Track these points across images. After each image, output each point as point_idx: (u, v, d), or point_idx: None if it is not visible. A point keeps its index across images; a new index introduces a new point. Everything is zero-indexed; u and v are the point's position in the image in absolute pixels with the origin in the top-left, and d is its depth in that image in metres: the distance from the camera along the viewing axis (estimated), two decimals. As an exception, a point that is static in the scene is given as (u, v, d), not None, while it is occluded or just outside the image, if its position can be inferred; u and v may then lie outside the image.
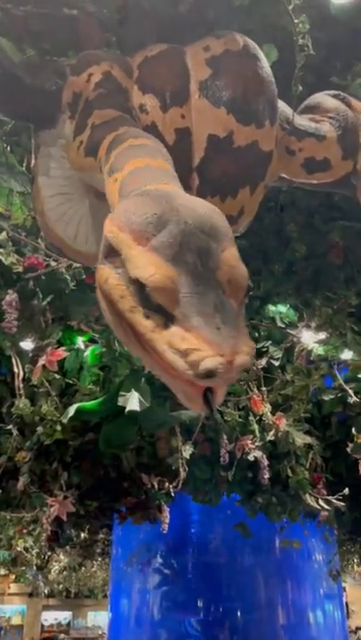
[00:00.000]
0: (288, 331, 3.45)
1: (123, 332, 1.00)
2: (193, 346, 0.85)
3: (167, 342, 0.88)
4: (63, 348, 3.11)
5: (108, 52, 1.70)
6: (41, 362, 2.90)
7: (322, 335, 3.21)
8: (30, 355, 2.94)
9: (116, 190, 1.17)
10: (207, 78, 1.53)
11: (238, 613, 5.01)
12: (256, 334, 3.70)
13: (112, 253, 0.99)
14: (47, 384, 3.28)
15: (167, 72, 1.56)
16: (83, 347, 3.47)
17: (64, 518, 3.80)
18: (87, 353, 3.46)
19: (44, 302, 2.75)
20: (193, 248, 0.92)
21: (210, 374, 0.83)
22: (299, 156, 1.73)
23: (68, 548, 7.85)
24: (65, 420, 3.28)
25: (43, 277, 2.64)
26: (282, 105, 1.70)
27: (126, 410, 3.00)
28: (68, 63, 1.66)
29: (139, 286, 0.91)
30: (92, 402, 3.33)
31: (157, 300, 0.89)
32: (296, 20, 1.62)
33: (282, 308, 3.52)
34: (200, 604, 5.07)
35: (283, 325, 3.50)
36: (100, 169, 1.34)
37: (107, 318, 1.03)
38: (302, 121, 1.75)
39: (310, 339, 3.32)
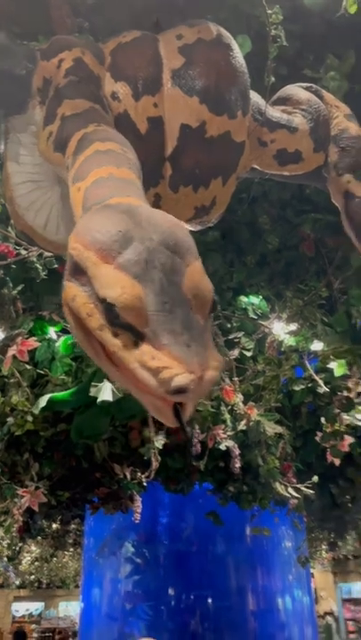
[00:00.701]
0: (260, 322, 3.48)
1: (91, 347, 1.01)
2: (164, 364, 0.87)
3: (138, 360, 0.90)
4: (34, 338, 3.07)
5: (79, 38, 1.68)
6: (11, 352, 2.86)
7: (293, 326, 3.25)
8: (0, 344, 2.90)
9: (80, 200, 1.17)
10: (180, 67, 1.52)
11: (209, 600, 5.07)
12: (228, 325, 3.72)
13: (78, 271, 0.99)
14: (18, 374, 3.24)
15: (140, 60, 1.55)
16: (54, 337, 3.44)
17: (35, 509, 3.78)
18: (59, 343, 3.43)
19: (15, 291, 2.71)
20: (158, 265, 0.93)
21: (181, 390, 0.86)
22: (271, 147, 1.74)
23: (39, 538, 7.82)
24: (36, 411, 3.25)
25: (13, 266, 2.60)
26: (254, 96, 1.70)
27: (98, 400, 2.99)
28: (38, 47, 1.63)
29: (107, 305, 0.92)
30: (64, 392, 3.31)
31: (126, 319, 0.90)
32: (270, 11, 1.62)
33: (254, 300, 3.55)
34: (172, 592, 5.12)
35: (255, 316, 3.52)
36: (68, 167, 1.33)
37: (73, 334, 1.04)
38: (275, 112, 1.75)
39: (282, 330, 3.36)
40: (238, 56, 1.60)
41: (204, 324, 0.94)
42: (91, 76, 1.52)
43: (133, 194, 1.12)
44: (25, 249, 2.55)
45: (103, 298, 0.92)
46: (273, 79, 1.69)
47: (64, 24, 1.75)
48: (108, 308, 0.92)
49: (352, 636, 12.77)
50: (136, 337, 0.91)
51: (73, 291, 0.99)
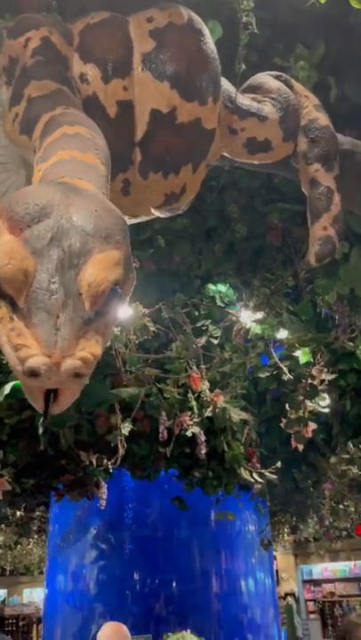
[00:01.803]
0: (227, 310, 3.51)
1: None
2: (24, 342, 0.85)
3: (6, 335, 0.88)
4: (-1, 324, 3.02)
5: (47, 17, 1.63)
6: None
7: (259, 315, 3.29)
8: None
9: (37, 181, 1.14)
10: (151, 51, 1.50)
11: (174, 584, 5.14)
12: (196, 313, 3.74)
13: None
14: (-19, 361, 3.18)
15: (110, 41, 1.52)
16: (19, 323, 3.38)
17: (-1, 497, 3.74)
18: (24, 329, 3.37)
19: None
20: (64, 245, 0.91)
21: (33, 373, 0.83)
22: (241, 135, 1.73)
23: (3, 526, 7.75)
24: (0, 398, 3.21)
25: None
26: (225, 83, 1.69)
27: (64, 387, 2.96)
28: (4, 26, 1.57)
29: None
30: (29, 379, 3.27)
31: (7, 291, 0.88)
32: (241, -3, 1.61)
33: (222, 288, 3.57)
34: (137, 577, 5.16)
35: (222, 304, 3.55)
36: (35, 151, 1.30)
37: None
38: (245, 100, 1.75)
39: (248, 318, 3.39)
40: (209, 42, 1.59)
41: (89, 314, 0.90)
42: (58, 57, 1.48)
43: (89, 178, 1.09)
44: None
45: None
46: (244, 67, 1.68)
47: (31, 2, 1.70)
48: None
49: (312, 615, 13.16)
50: (14, 310, 0.89)
51: None
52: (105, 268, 0.92)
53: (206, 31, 1.60)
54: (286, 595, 12.03)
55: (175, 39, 1.52)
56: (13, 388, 3.18)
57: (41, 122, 1.31)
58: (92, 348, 0.88)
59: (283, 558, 13.60)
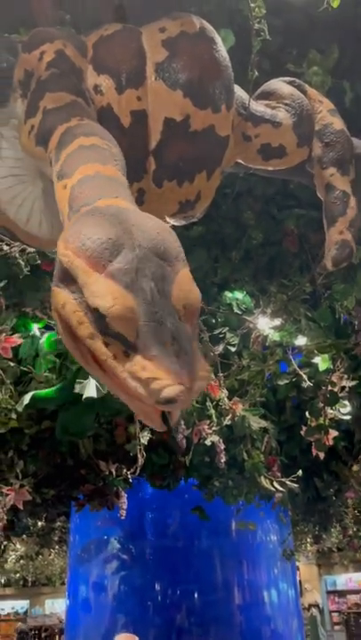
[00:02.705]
0: (244, 317, 3.49)
1: (79, 353, 1.01)
2: (154, 375, 0.89)
3: (128, 370, 0.91)
4: (18, 334, 3.05)
5: (61, 30, 1.65)
6: (-6, 349, 2.83)
7: (277, 321, 3.26)
8: (-17, 342, 2.86)
9: (66, 199, 1.16)
10: (163, 60, 1.51)
11: (196, 595, 5.09)
12: (213, 320, 3.73)
13: (68, 278, 0.99)
14: (1, 372, 3.21)
15: (123, 52, 1.53)
16: (38, 334, 3.41)
17: (20, 507, 3.75)
18: (43, 340, 3.40)
19: (-2, 288, 2.67)
20: (148, 274, 0.94)
21: (171, 401, 0.88)
22: (255, 141, 1.73)
23: (24, 536, 7.77)
24: (20, 409, 3.23)
25: (-5, 262, 2.57)
26: (238, 90, 1.69)
27: (83, 397, 2.97)
28: (19, 40, 1.60)
29: (98, 315, 0.92)
30: (48, 389, 3.28)
31: (117, 329, 0.91)
32: (253, 4, 1.61)
33: (239, 295, 3.55)
34: (158, 587, 5.13)
35: (239, 312, 3.53)
36: (51, 162, 1.31)
37: (63, 340, 1.05)
38: (258, 107, 1.75)
39: (266, 325, 3.36)
40: (222, 50, 1.60)
41: (192, 333, 0.95)
42: (73, 69, 1.50)
43: (121, 194, 1.11)
44: (7, 245, 2.51)
45: (95, 307, 0.93)
46: (256, 73, 1.68)
47: (45, 16, 1.73)
48: (100, 318, 0.92)
49: (337, 627, 12.94)
50: (126, 347, 0.92)
51: (63, 298, 0.99)
52: (189, 288, 0.97)
53: (218, 39, 1.61)
54: (310, 606, 11.85)
55: (187, 48, 1.53)
56: (33, 399, 3.20)
57: (56, 133, 1.32)
58: (205, 364, 0.95)
59: (306, 568, 13.41)
